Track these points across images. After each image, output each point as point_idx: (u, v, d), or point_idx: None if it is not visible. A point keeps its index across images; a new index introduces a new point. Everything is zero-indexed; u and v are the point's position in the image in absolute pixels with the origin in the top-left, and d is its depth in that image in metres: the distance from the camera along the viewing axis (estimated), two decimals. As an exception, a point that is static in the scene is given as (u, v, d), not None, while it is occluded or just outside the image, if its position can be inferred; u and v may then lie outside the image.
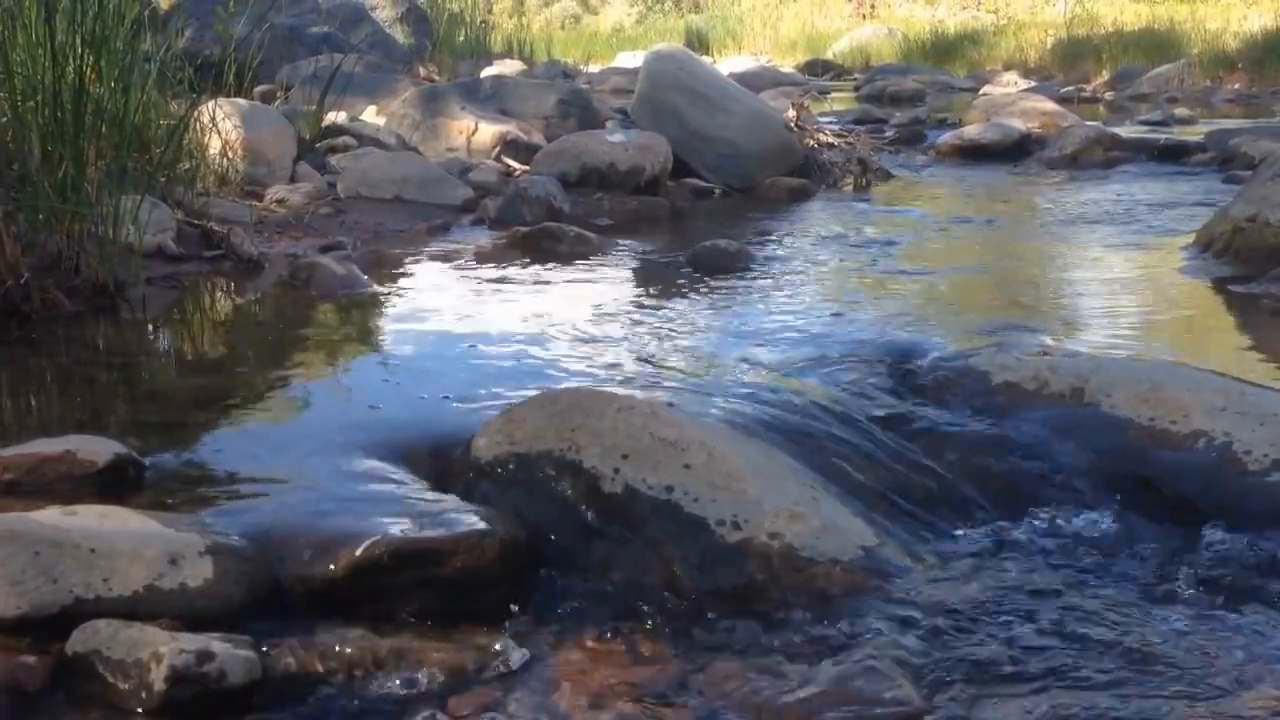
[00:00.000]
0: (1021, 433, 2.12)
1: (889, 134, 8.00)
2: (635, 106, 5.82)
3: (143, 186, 3.35)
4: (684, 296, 3.34)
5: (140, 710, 1.32)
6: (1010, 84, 13.23)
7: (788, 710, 1.39)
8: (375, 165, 4.90)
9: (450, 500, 1.75)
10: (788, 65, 18.31)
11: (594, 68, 18.86)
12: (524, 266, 3.75)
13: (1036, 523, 1.90)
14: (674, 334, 2.88)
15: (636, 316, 3.08)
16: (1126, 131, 7.44)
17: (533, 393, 2.00)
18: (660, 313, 3.14)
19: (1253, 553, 1.79)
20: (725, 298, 3.33)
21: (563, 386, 2.22)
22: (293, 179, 4.80)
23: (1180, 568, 1.75)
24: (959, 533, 1.88)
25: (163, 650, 1.33)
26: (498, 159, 5.50)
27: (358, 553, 1.55)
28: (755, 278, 3.61)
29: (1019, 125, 7.17)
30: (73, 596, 1.42)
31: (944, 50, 17.93)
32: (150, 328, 3.03)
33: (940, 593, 1.66)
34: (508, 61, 14.67)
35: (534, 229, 4.11)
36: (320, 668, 1.43)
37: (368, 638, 1.48)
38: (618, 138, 5.26)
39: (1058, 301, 3.38)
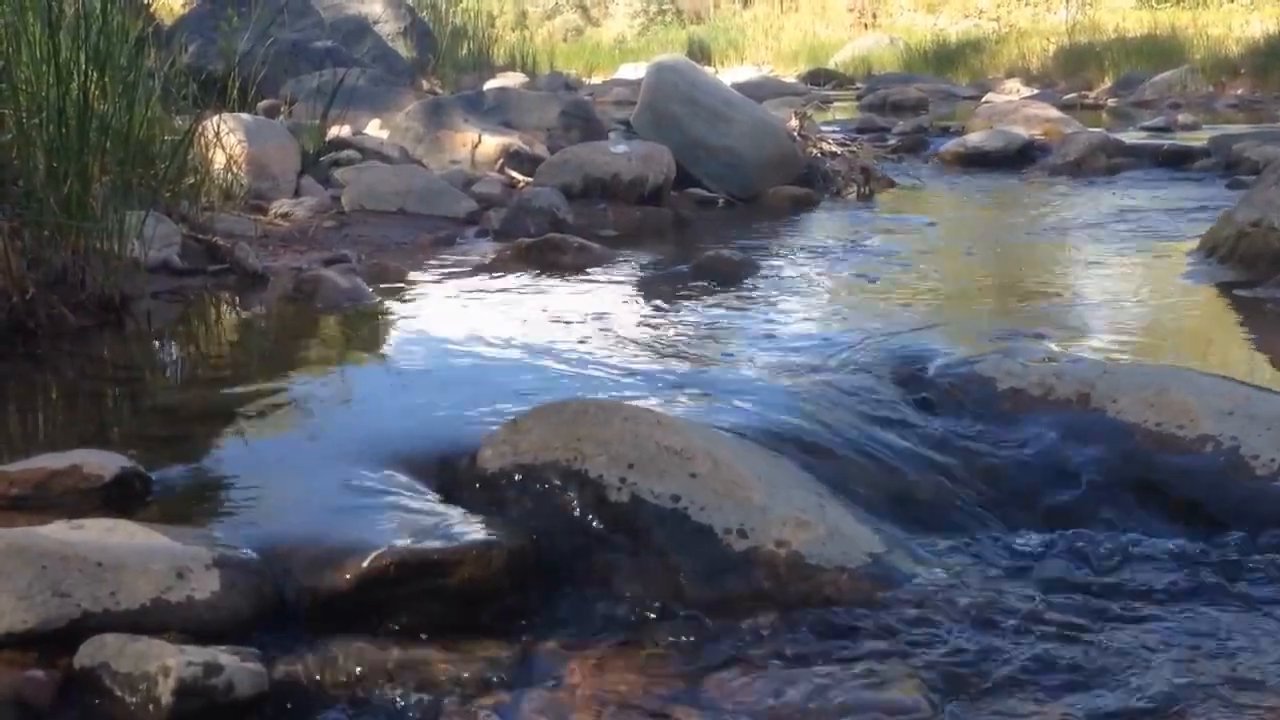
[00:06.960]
0: (1027, 439, 2.12)
1: (892, 142, 8.00)
2: (638, 117, 5.82)
3: (147, 201, 3.35)
4: (688, 306, 3.35)
5: (148, 723, 1.32)
6: (1013, 91, 13.22)
7: (797, 719, 1.38)
8: (379, 178, 4.90)
9: (456, 511, 1.75)
10: (790, 75, 18.33)
11: (596, 79, 18.89)
12: (528, 278, 3.75)
13: (1043, 529, 1.89)
14: (678, 343, 2.88)
15: (641, 326, 3.08)
16: (1129, 138, 7.44)
17: (538, 403, 2.00)
18: (664, 322, 3.14)
19: (1261, 557, 1.78)
20: (729, 307, 3.33)
21: (568, 397, 2.22)
22: (297, 193, 4.81)
23: (1188, 573, 1.74)
24: (966, 539, 1.87)
25: (170, 663, 1.33)
26: (501, 171, 5.51)
27: (364, 565, 1.55)
28: (759, 287, 3.61)
29: (1022, 132, 7.18)
30: (80, 610, 1.42)
31: (946, 58, 17.95)
32: (155, 342, 3.04)
33: (948, 600, 1.65)
34: (510, 74, 14.69)
35: (537, 240, 4.11)
36: (327, 680, 1.43)
37: (375, 649, 1.48)
38: (620, 149, 5.26)
39: (1062, 307, 3.37)
